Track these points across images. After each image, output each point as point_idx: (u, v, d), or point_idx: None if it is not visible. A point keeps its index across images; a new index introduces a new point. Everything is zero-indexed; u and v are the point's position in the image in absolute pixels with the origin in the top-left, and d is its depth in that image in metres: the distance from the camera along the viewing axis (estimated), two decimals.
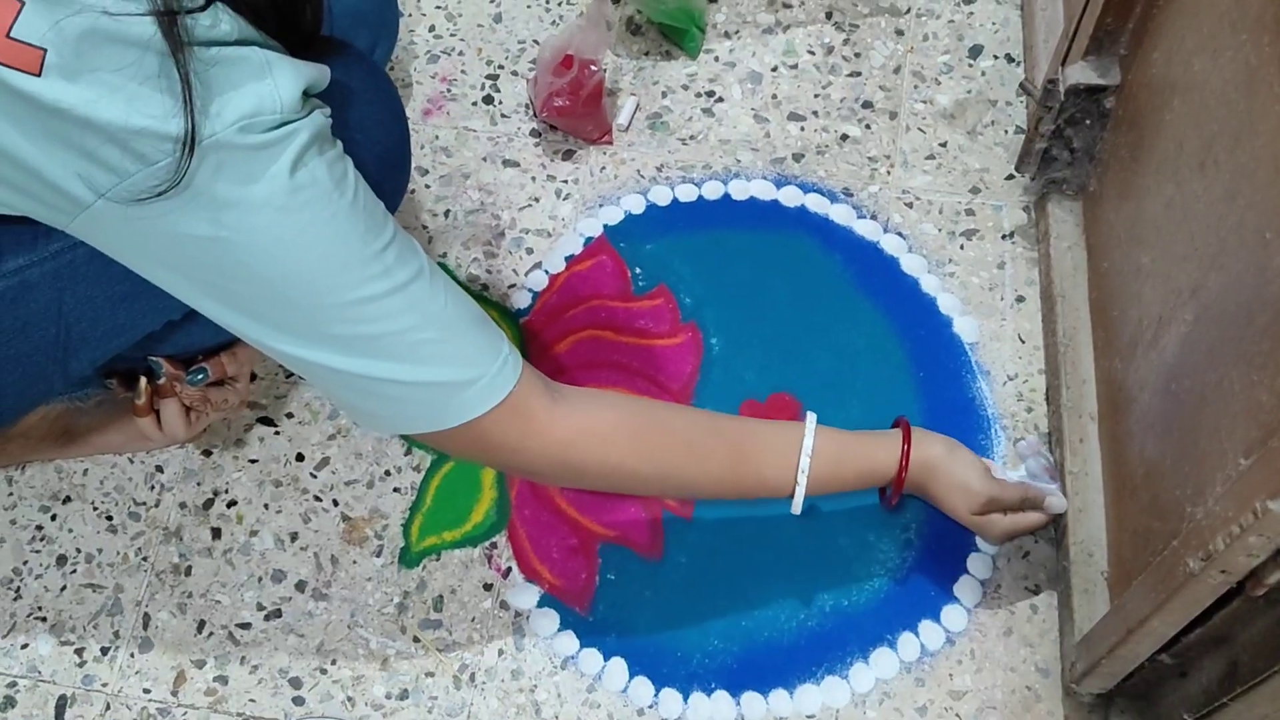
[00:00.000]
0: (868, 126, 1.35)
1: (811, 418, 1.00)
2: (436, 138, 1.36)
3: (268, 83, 0.75)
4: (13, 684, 1.08)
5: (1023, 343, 1.21)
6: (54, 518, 1.15)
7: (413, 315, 0.83)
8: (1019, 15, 1.40)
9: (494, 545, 1.13)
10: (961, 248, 1.27)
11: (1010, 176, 1.30)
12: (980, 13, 1.41)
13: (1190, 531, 0.79)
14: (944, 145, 1.33)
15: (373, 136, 0.93)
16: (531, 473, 1.03)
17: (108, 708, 1.07)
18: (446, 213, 1.31)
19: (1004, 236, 1.27)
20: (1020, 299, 1.24)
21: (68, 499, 1.16)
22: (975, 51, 1.39)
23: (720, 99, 1.37)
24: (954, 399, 1.19)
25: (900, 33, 1.40)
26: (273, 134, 0.75)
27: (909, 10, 1.42)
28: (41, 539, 1.14)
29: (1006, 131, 1.34)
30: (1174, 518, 0.88)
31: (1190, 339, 0.90)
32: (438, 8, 1.45)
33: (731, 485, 1.00)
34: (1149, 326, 0.99)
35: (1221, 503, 0.75)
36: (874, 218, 1.29)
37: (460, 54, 1.42)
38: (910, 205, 1.30)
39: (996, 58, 1.38)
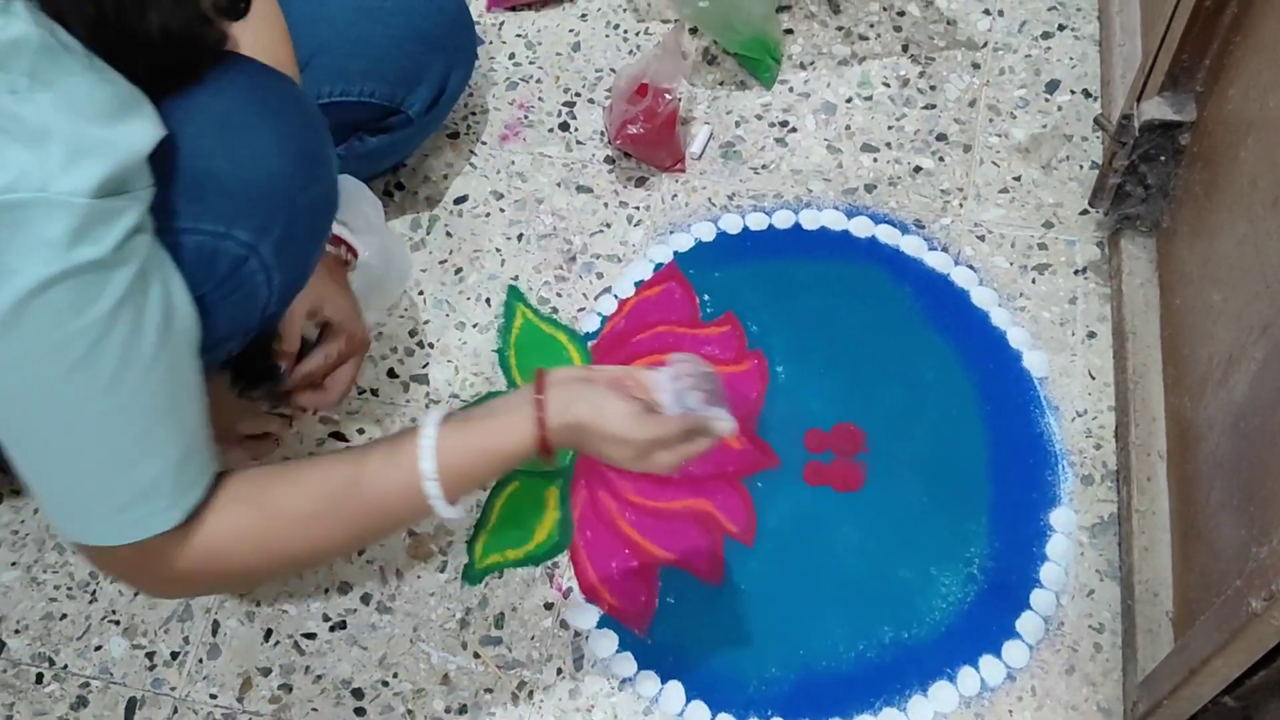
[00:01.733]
0: (941, 159, 1.35)
1: (428, 421, 0.88)
2: (512, 163, 1.38)
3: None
4: (85, 684, 1.11)
5: (1093, 379, 1.20)
6: None
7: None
8: (1097, 51, 1.40)
9: (556, 565, 1.15)
10: (1033, 282, 1.26)
11: (1084, 211, 1.29)
12: (1058, 48, 1.41)
13: (1253, 571, 0.78)
14: (1018, 179, 1.33)
15: (246, 161, 0.84)
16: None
17: (175, 711, 1.09)
18: (519, 236, 1.33)
19: (1077, 271, 1.26)
20: (1092, 335, 1.23)
21: None
22: (1052, 86, 1.38)
23: (794, 129, 1.38)
24: (1021, 434, 1.18)
25: (976, 66, 1.40)
26: None
27: (986, 44, 1.42)
28: None
29: (1082, 167, 1.33)
30: (1238, 558, 0.87)
31: (1260, 377, 0.89)
32: (518, 36, 1.48)
33: (374, 533, 0.96)
34: (1219, 365, 0.98)
35: None
36: (945, 250, 1.29)
37: (538, 81, 1.44)
38: (982, 238, 1.29)
39: (1073, 93, 1.38)
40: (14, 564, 1.17)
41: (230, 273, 0.83)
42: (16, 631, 1.13)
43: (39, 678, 1.11)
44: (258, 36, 0.96)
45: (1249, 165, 0.96)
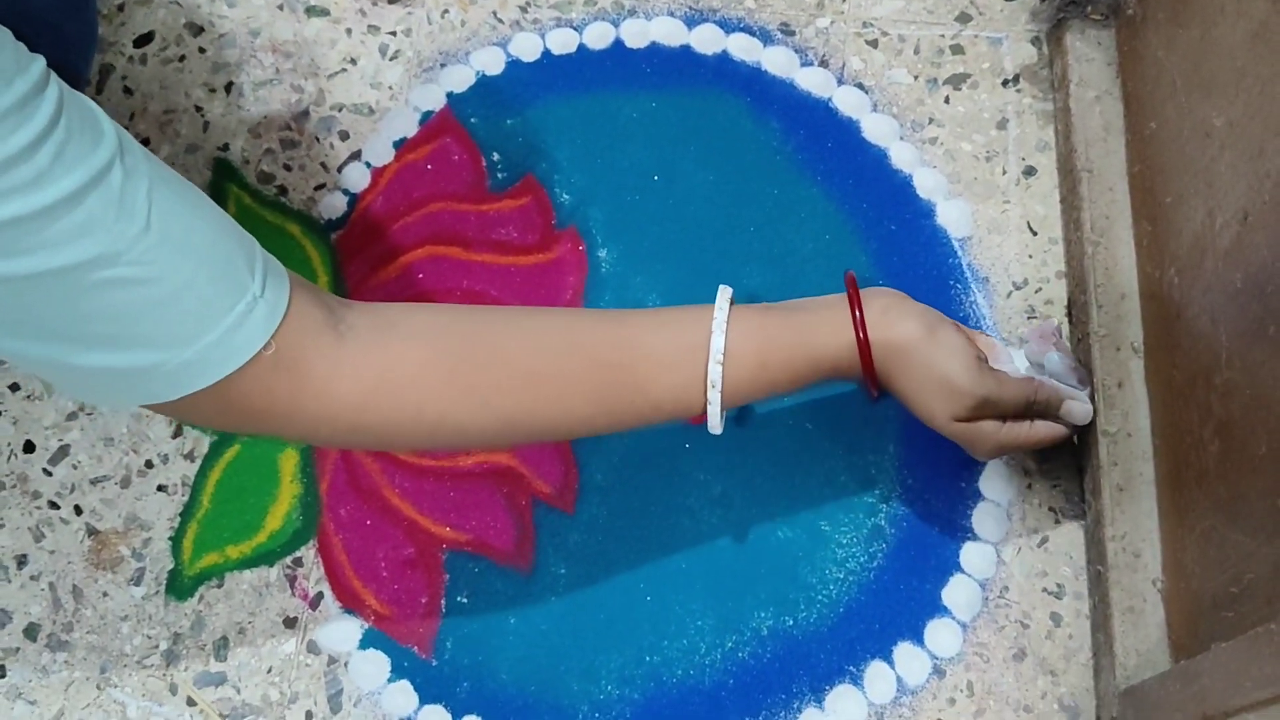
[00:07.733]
0: None
1: (724, 295, 0.71)
2: None
3: None
4: None
5: (1034, 234, 0.89)
6: None
7: (92, 242, 0.54)
8: None
9: (298, 562, 0.83)
10: (947, 101, 0.95)
11: None
12: None
13: None
14: None
15: None
16: (314, 441, 0.81)
17: None
18: (228, 86, 0.97)
19: (1005, 83, 0.95)
20: (1030, 171, 0.91)
21: None
22: None
23: None
24: None
25: None
26: None
27: None
28: None
29: None
30: (1274, 534, 0.56)
31: None
32: None
33: (608, 419, 0.71)
34: (1226, 225, 0.66)
35: None
36: (824, 64, 0.97)
37: None
38: (874, 44, 0.97)
39: None
40: None
41: None
42: None
43: None
44: None
45: None
